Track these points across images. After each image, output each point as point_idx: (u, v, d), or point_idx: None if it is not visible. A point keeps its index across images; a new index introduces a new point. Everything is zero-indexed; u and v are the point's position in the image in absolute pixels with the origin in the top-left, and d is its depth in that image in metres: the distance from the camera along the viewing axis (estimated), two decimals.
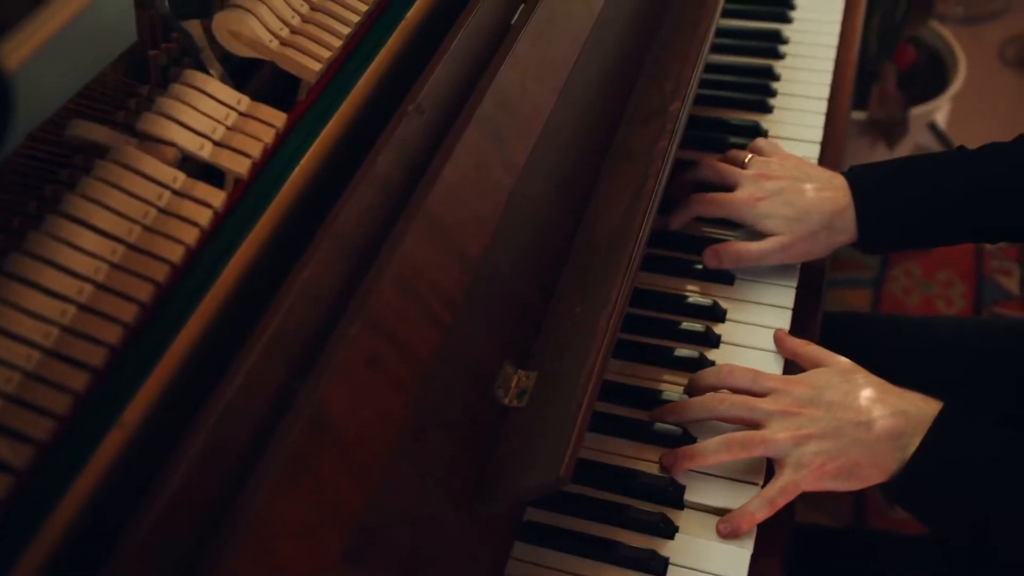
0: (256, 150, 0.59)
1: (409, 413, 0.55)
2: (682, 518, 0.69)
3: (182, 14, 0.63)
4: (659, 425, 0.73)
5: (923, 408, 0.69)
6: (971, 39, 2.65)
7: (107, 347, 0.49)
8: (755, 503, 0.68)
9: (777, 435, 0.68)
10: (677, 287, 0.84)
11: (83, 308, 0.50)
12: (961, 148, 0.88)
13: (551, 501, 0.68)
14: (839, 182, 0.84)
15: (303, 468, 0.49)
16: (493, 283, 0.64)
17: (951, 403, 0.69)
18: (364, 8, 0.69)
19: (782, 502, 0.68)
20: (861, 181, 0.84)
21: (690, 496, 0.70)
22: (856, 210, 0.83)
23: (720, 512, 0.69)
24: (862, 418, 0.68)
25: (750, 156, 0.88)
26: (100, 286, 0.51)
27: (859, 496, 1.65)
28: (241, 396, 0.48)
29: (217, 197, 0.56)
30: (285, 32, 0.65)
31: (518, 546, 0.67)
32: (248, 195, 0.58)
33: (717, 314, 0.82)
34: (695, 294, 0.84)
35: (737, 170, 0.87)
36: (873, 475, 0.68)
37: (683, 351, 0.78)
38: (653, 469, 0.71)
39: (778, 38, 1.10)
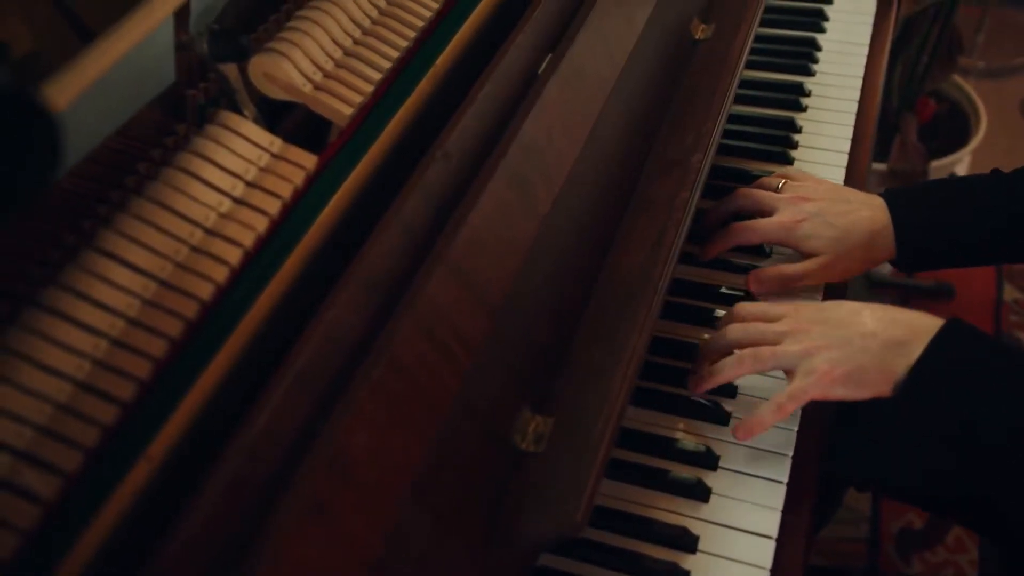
0: (287, 191, 0.60)
1: (427, 456, 0.55)
2: (693, 562, 0.69)
3: (219, 57, 0.65)
4: (674, 474, 0.73)
5: (928, 321, 0.71)
6: (992, 93, 2.66)
7: (137, 381, 0.50)
8: (765, 407, 0.72)
9: (788, 347, 0.72)
10: (694, 335, 0.85)
11: (115, 343, 0.51)
12: (996, 171, 0.90)
13: (566, 547, 0.69)
14: (877, 202, 0.87)
15: (321, 509, 0.49)
16: (513, 329, 0.65)
17: (955, 319, 0.71)
18: (396, 54, 0.71)
19: (791, 406, 0.72)
20: (898, 200, 0.87)
21: (703, 546, 0.70)
22: (895, 228, 0.85)
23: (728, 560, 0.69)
24: (868, 329, 0.71)
25: (783, 181, 0.90)
26: (133, 321, 0.52)
27: (873, 546, 1.64)
28: (265, 434, 0.49)
29: (247, 236, 0.57)
30: (319, 76, 0.67)
31: None
32: (277, 235, 0.59)
33: None
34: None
35: (774, 195, 0.89)
36: (879, 382, 0.70)
37: (700, 398, 0.79)
38: (667, 517, 0.71)
39: (801, 91, 1.11)
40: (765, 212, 0.89)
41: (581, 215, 0.74)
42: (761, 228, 0.88)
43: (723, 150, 1.02)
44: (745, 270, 0.89)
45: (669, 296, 0.86)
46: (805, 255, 0.87)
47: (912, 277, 2.11)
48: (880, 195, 0.88)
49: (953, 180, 0.91)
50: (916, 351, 0.69)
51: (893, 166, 1.73)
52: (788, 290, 0.87)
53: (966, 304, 2.05)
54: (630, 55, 0.84)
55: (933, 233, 0.87)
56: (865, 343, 0.71)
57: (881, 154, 1.76)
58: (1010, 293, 2.09)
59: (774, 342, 0.73)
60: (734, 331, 0.76)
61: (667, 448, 0.75)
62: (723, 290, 0.89)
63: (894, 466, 0.72)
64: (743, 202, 0.90)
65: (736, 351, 0.74)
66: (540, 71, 0.75)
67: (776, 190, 0.90)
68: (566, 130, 0.72)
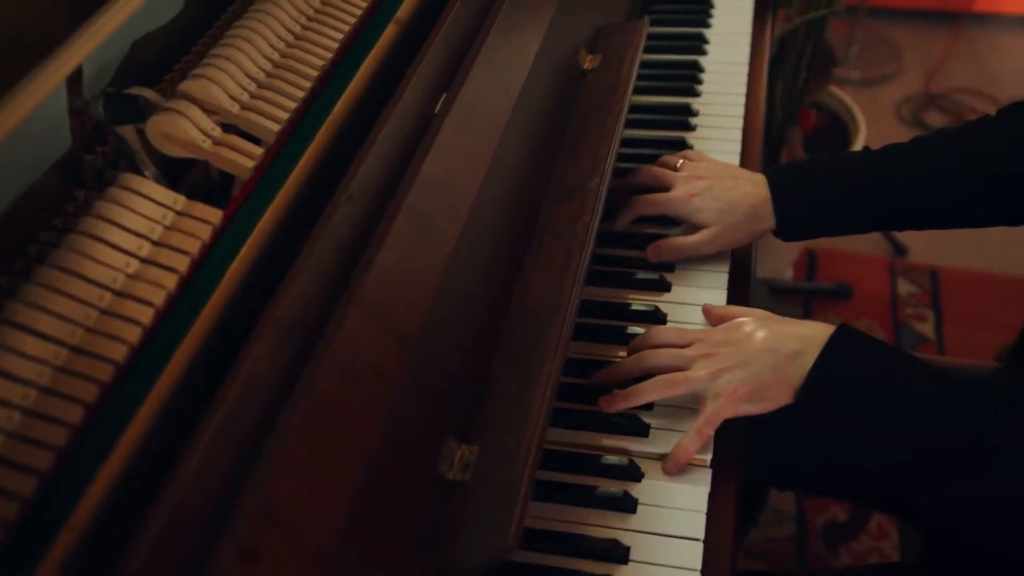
0: (194, 247, 0.61)
1: (356, 493, 0.56)
2: (626, 572, 0.71)
3: (116, 119, 0.65)
4: (601, 489, 0.75)
5: (821, 331, 0.77)
6: (870, 101, 2.80)
7: (55, 450, 0.50)
8: (685, 438, 0.76)
9: (697, 372, 0.77)
10: (610, 354, 0.87)
11: (29, 412, 0.51)
12: (866, 148, 0.98)
13: (501, 571, 0.70)
14: (759, 178, 0.96)
15: (254, 556, 0.50)
16: (432, 361, 0.66)
17: (845, 326, 0.77)
18: (294, 105, 0.72)
19: (708, 431, 0.76)
20: (777, 175, 0.96)
21: (635, 556, 0.72)
22: (773, 201, 0.93)
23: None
24: (768, 345, 0.77)
25: (681, 160, 0.99)
26: (46, 389, 0.52)
27: (801, 543, 1.69)
28: (192, 484, 0.49)
29: (157, 295, 0.58)
30: (217, 132, 0.68)
31: None
32: (187, 292, 0.59)
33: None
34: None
35: (672, 172, 0.98)
36: (781, 394, 0.76)
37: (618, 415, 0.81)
38: (598, 532, 0.73)
39: (688, 111, 1.16)
40: (664, 187, 0.97)
41: (488, 246, 0.76)
42: (659, 201, 0.96)
43: (621, 172, 1.06)
44: (652, 288, 0.93)
45: (583, 317, 0.89)
46: (698, 226, 0.94)
47: (813, 281, 2.20)
48: (764, 172, 0.97)
49: (827, 157, 0.99)
50: (810, 360, 0.75)
51: None
52: (681, 257, 0.95)
53: (864, 301, 2.14)
54: (522, 89, 0.87)
55: (806, 204, 0.95)
56: (765, 359, 0.76)
57: (770, 165, 1.84)
58: (904, 287, 2.19)
59: (685, 367, 0.78)
60: (649, 358, 0.81)
61: (592, 465, 0.77)
62: (634, 307, 0.92)
63: (805, 466, 0.76)
64: (646, 177, 0.99)
65: (654, 378, 0.79)
66: (436, 110, 0.77)
67: (675, 168, 0.98)
68: (465, 165, 0.75)
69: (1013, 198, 0.94)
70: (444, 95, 0.78)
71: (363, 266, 0.62)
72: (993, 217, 0.97)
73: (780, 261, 2.14)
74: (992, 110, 0.94)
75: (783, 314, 0.82)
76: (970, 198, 0.94)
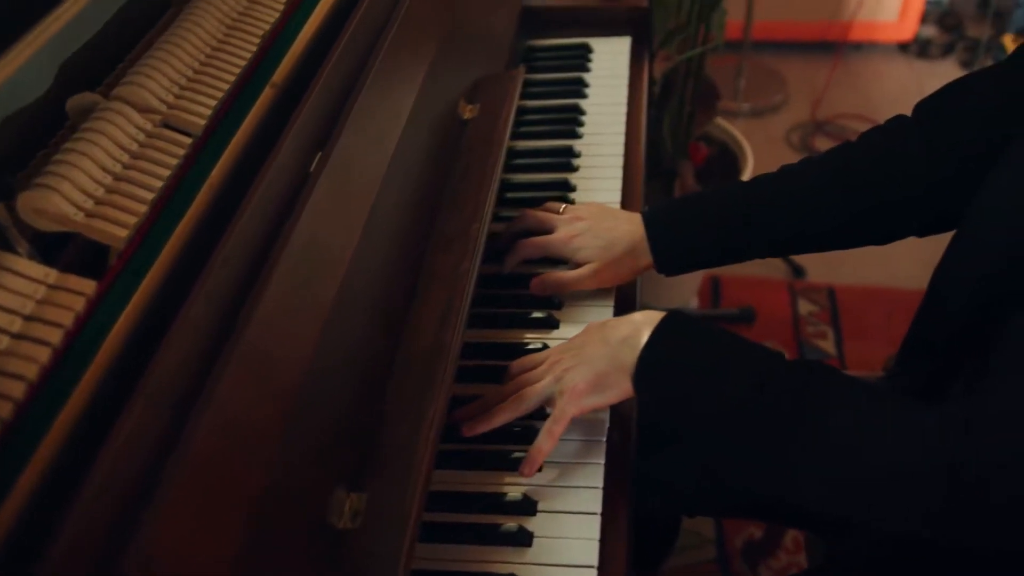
0: (68, 319, 0.61)
1: (241, 550, 0.57)
2: None
3: None
4: (496, 526, 0.77)
5: (652, 316, 0.81)
6: (761, 130, 2.92)
7: None
8: (538, 438, 0.80)
9: (543, 381, 0.82)
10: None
11: None
12: (737, 181, 1.01)
13: None
14: (636, 217, 1.01)
15: None
16: (316, 413, 0.68)
17: (675, 311, 0.81)
18: (167, 173, 0.74)
19: (559, 429, 0.80)
20: (652, 214, 1.00)
21: None
22: (649, 239, 0.98)
23: None
24: (602, 338, 0.81)
25: (564, 205, 1.04)
26: None
27: (723, 564, 1.72)
28: (68, 554, 0.50)
29: (30, 369, 0.58)
30: (90, 204, 0.69)
31: None
32: (63, 364, 0.60)
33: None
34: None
35: (555, 215, 1.03)
36: (619, 380, 0.80)
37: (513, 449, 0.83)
38: (496, 568, 0.75)
39: (571, 153, 1.20)
40: (548, 230, 1.02)
41: (370, 297, 0.78)
42: (541, 244, 1.02)
43: (509, 217, 1.10)
44: (540, 326, 0.96)
45: (479, 359, 0.91)
46: (581, 265, 0.99)
47: (718, 308, 2.27)
48: (641, 212, 1.02)
49: (699, 193, 1.04)
50: (641, 342, 0.78)
51: None
52: (565, 292, 0.99)
53: (768, 324, 2.22)
54: (398, 142, 0.89)
55: (679, 239, 1.00)
56: (600, 350, 0.81)
57: (664, 198, 1.90)
58: (804, 307, 2.27)
59: (536, 382, 0.82)
60: (508, 388, 0.84)
61: (486, 503, 0.79)
62: (529, 346, 0.94)
63: (687, 486, 0.79)
64: (530, 221, 1.04)
65: (506, 401, 0.83)
66: (311, 169, 0.79)
67: (559, 212, 1.03)
68: (342, 221, 0.77)
69: (877, 218, 0.99)
70: (319, 154, 0.80)
71: (240, 327, 0.63)
72: (862, 237, 1.01)
73: (685, 291, 2.20)
74: None
75: None
76: (836, 221, 0.99)
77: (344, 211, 0.78)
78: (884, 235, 1.01)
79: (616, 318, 0.84)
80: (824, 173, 0.99)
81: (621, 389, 0.80)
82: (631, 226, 1.00)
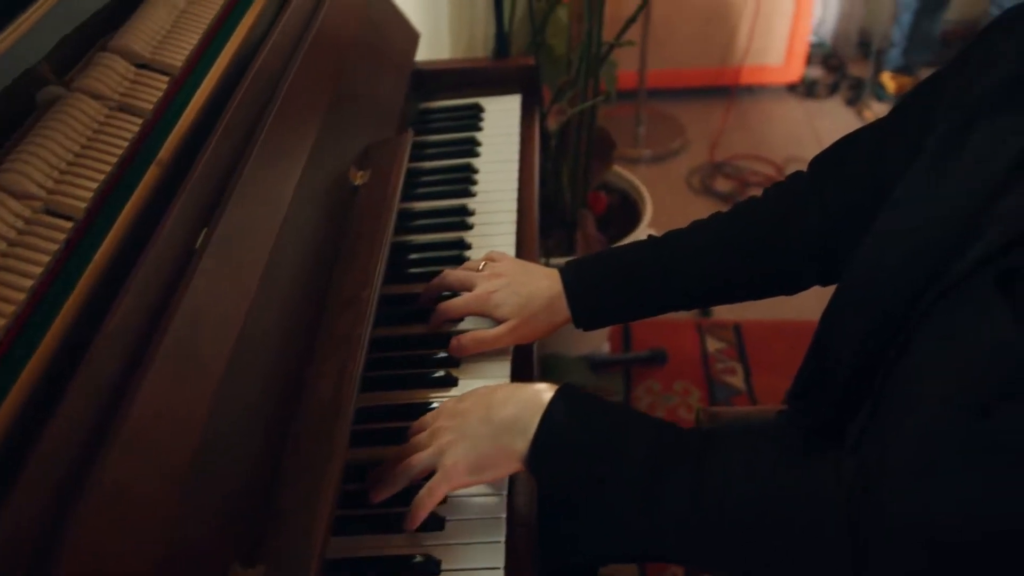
0: None
1: None
2: None
3: None
4: None
5: (539, 395, 0.81)
6: (662, 175, 3.01)
7: None
8: (416, 499, 0.79)
9: (425, 451, 0.81)
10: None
11: None
12: (650, 236, 1.05)
13: None
14: (554, 273, 1.02)
15: None
16: (209, 488, 0.68)
17: (565, 386, 0.81)
18: (47, 259, 0.73)
19: (428, 502, 0.79)
20: (568, 270, 1.02)
21: None
22: (566, 295, 1.00)
23: None
24: (485, 414, 0.81)
25: (484, 262, 1.05)
26: None
27: None
28: None
29: None
30: None
31: None
32: None
33: None
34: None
35: (473, 274, 1.03)
36: (504, 462, 0.80)
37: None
38: None
39: (466, 211, 1.23)
40: (468, 288, 1.03)
41: (264, 366, 0.79)
42: (459, 306, 1.02)
43: (409, 278, 1.11)
44: (442, 384, 0.97)
45: (380, 422, 0.92)
46: (499, 321, 1.00)
47: (629, 351, 2.31)
48: (558, 267, 1.03)
49: (613, 249, 1.07)
50: (530, 425, 0.79)
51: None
52: (483, 350, 0.99)
53: (679, 363, 2.27)
54: (289, 212, 0.91)
55: (595, 296, 1.02)
56: (482, 430, 0.80)
57: (567, 249, 1.94)
58: (712, 344, 2.33)
59: (424, 449, 0.82)
60: (402, 451, 0.83)
61: (387, 566, 0.79)
62: (433, 406, 0.95)
63: (588, 540, 0.81)
64: (451, 281, 1.05)
65: (393, 472, 0.82)
66: (197, 246, 0.80)
67: (478, 270, 1.04)
68: (230, 295, 0.77)
69: (781, 272, 1.03)
70: (204, 230, 0.81)
71: (124, 410, 0.63)
72: (769, 290, 1.05)
73: (596, 336, 2.24)
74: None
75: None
76: (743, 276, 1.03)
77: (233, 285, 0.79)
78: (789, 287, 1.06)
79: (503, 390, 0.84)
80: (730, 230, 1.04)
81: (502, 471, 0.81)
82: (549, 282, 1.02)
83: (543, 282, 1.02)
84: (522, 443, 0.79)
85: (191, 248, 0.80)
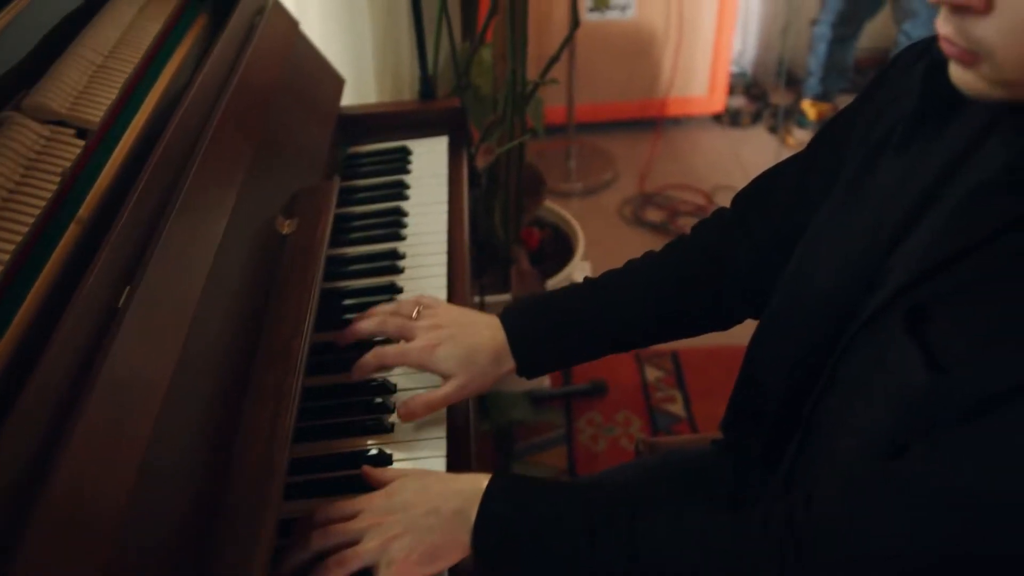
0: None
1: None
2: None
3: None
4: None
5: (476, 484, 0.81)
6: (595, 208, 3.05)
7: None
8: None
9: (367, 545, 0.79)
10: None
11: None
12: (587, 278, 1.05)
13: None
14: (495, 322, 1.00)
15: None
16: (139, 554, 0.66)
17: (496, 477, 0.81)
18: None
19: None
20: (509, 318, 1.00)
21: None
22: (510, 344, 0.98)
23: None
24: (431, 507, 0.80)
25: (418, 308, 1.01)
26: None
27: None
28: None
29: None
30: None
31: None
32: None
33: None
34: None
35: (412, 323, 1.00)
36: (454, 552, 0.79)
37: None
38: None
39: (396, 255, 1.23)
40: (406, 338, 0.99)
41: (189, 427, 0.77)
42: (401, 354, 0.98)
43: (341, 324, 1.10)
44: (370, 431, 0.96)
45: (310, 474, 0.91)
46: (441, 375, 0.98)
47: (569, 384, 2.32)
48: (499, 315, 1.01)
49: (553, 294, 1.06)
50: (472, 517, 0.79)
51: (514, 294, 1.93)
52: (434, 411, 0.96)
53: (619, 394, 2.29)
54: (214, 265, 0.89)
55: (541, 345, 1.00)
56: (431, 522, 0.80)
57: (502, 286, 1.95)
58: (652, 373, 2.35)
59: (355, 541, 0.80)
60: (317, 539, 0.80)
61: None
62: (372, 453, 0.94)
63: None
64: (388, 328, 1.01)
65: (325, 562, 0.79)
66: (120, 304, 0.78)
67: (412, 317, 1.01)
68: (155, 353, 0.76)
69: (714, 308, 1.04)
70: (127, 288, 0.79)
71: (45, 484, 0.61)
72: (704, 326, 1.06)
73: None
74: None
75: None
76: (678, 315, 1.04)
77: (158, 342, 0.77)
78: (723, 322, 1.06)
79: (440, 482, 0.83)
80: (661, 271, 1.05)
81: (453, 559, 0.80)
82: (491, 331, 0.99)
83: (485, 332, 0.99)
84: (466, 533, 0.79)
85: (114, 307, 0.78)
